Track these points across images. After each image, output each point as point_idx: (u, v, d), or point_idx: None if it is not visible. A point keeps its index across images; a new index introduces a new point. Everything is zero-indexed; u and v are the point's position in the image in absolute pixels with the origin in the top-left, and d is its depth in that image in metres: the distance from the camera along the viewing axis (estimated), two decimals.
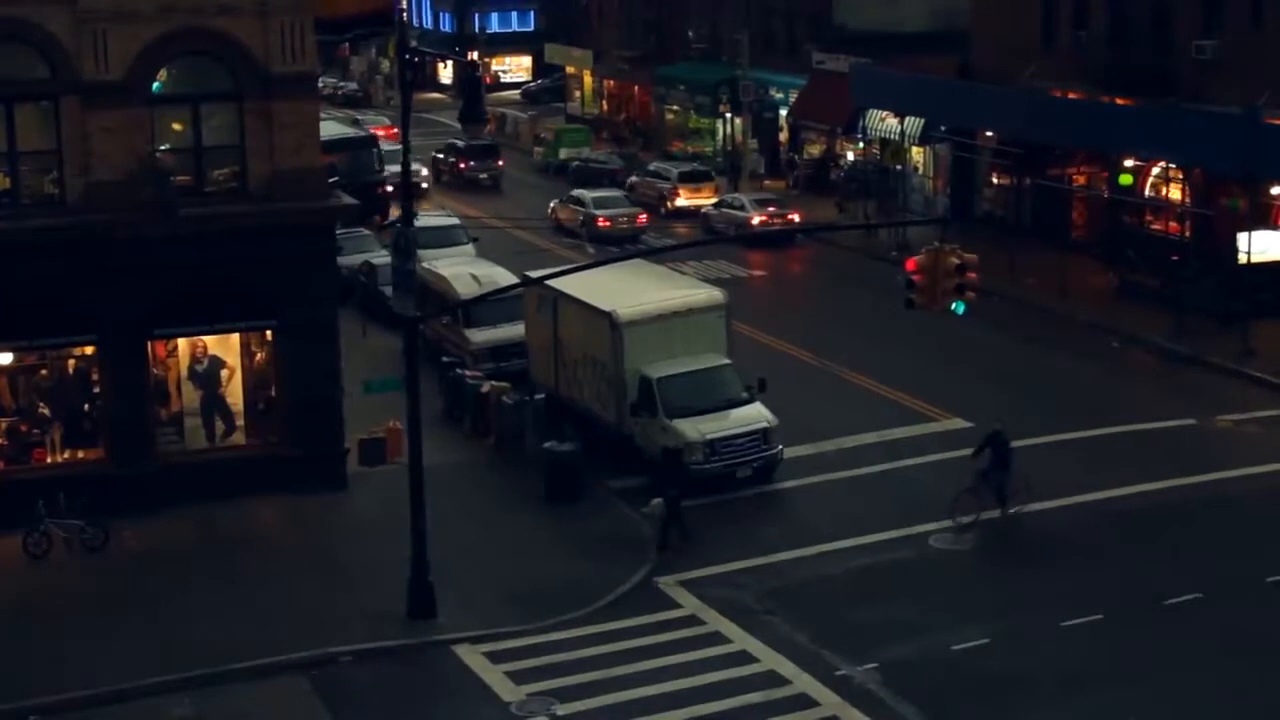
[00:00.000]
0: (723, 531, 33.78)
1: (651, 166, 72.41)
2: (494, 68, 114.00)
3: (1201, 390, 42.00)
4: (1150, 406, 40.38)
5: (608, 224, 62.82)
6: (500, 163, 77.14)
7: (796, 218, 61.88)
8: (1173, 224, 53.05)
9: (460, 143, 79.08)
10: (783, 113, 73.95)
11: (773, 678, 27.29)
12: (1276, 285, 46.36)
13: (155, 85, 33.94)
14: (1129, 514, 33.90)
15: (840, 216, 62.59)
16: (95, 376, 34.89)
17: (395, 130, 74.82)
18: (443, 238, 53.70)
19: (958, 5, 64.18)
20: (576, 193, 65.93)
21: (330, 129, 62.20)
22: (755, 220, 61.33)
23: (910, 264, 27.24)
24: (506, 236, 60.61)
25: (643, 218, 63.96)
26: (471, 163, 76.20)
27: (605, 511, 34.71)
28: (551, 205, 66.58)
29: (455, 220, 58.04)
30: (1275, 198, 48.87)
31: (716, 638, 28.94)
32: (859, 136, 67.00)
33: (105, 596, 30.91)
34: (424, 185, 72.08)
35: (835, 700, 26.43)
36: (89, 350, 34.85)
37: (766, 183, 70.72)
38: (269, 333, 35.51)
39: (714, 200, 65.78)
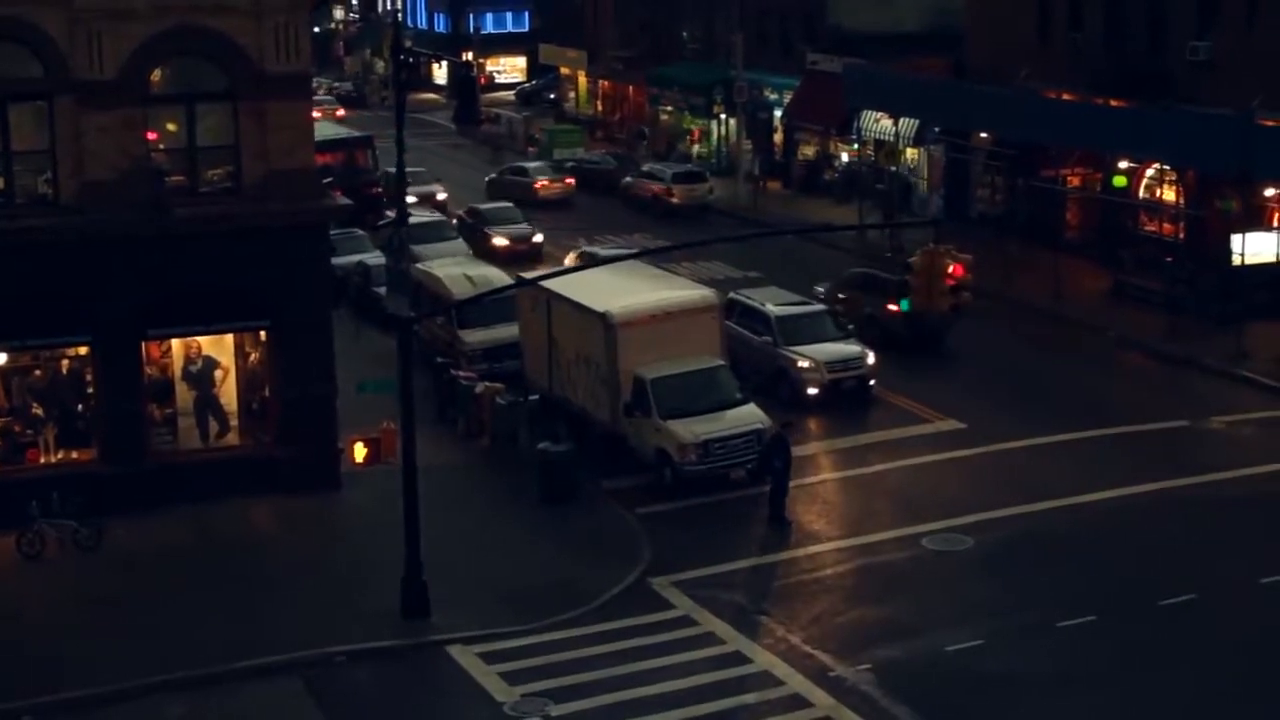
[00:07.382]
0: (717, 532, 33.78)
1: (646, 167, 72.28)
2: (488, 68, 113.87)
3: (1196, 391, 42.01)
4: (1144, 407, 40.38)
5: (342, 115, 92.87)
6: (570, 181, 73.61)
7: (572, 181, 70.37)
8: (1167, 225, 53.11)
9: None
10: (777, 113, 73.90)
11: (766, 678, 27.28)
12: (1270, 286, 46.38)
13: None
14: (1123, 514, 33.91)
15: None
16: (89, 377, 34.84)
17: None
18: (432, 234, 54.84)
19: (952, 6, 64.17)
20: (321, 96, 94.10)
21: (325, 129, 62.20)
22: (539, 184, 68.90)
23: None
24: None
25: (340, 112, 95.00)
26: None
27: (599, 512, 34.68)
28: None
29: (441, 217, 58.63)
30: (1269, 199, 48.89)
31: (710, 638, 28.92)
32: (854, 137, 66.98)
33: (99, 597, 30.84)
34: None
35: (829, 701, 26.41)
36: (83, 350, 34.78)
37: (765, 183, 70.62)
38: (263, 333, 35.45)
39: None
